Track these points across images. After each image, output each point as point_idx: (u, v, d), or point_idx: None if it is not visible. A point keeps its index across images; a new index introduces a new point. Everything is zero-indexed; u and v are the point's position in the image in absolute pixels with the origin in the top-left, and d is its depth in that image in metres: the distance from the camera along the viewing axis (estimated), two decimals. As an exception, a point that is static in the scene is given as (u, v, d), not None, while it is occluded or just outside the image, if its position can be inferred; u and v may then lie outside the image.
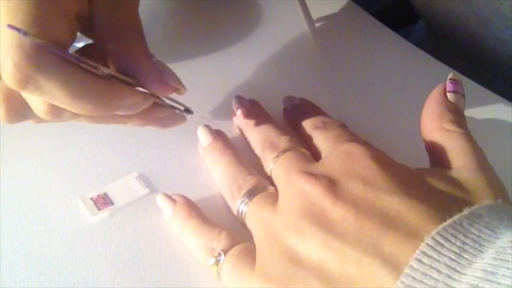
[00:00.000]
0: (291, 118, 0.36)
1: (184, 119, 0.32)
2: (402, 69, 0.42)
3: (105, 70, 0.26)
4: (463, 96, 0.30)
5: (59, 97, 0.25)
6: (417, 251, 0.22)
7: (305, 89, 0.37)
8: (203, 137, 0.33)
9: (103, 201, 0.31)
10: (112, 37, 0.28)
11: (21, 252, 0.29)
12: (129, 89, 0.27)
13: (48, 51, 0.24)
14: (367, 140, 0.31)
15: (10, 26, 0.23)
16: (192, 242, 0.29)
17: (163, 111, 0.31)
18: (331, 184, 0.26)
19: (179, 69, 0.41)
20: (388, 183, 0.25)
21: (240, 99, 0.36)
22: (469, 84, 0.40)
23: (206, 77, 0.40)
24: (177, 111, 0.32)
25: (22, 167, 0.34)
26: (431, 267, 0.21)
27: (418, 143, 0.33)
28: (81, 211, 0.31)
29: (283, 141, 0.32)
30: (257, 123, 0.34)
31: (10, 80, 0.24)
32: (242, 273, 0.27)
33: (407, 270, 0.21)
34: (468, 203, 0.23)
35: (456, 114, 0.29)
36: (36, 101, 0.26)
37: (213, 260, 0.28)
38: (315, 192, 0.26)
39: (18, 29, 0.23)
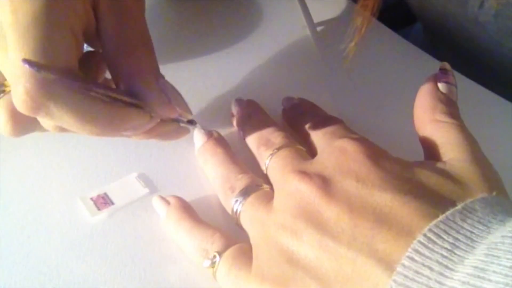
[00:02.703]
0: (289, 118, 0.36)
1: (187, 131, 0.32)
2: (402, 69, 0.42)
3: (112, 95, 0.26)
4: (455, 86, 0.29)
5: (69, 122, 0.26)
6: (409, 249, 0.22)
7: (305, 89, 0.37)
8: (197, 139, 0.34)
9: (103, 201, 0.31)
10: (121, 54, 0.28)
11: (21, 252, 0.29)
12: (136, 112, 0.28)
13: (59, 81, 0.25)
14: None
15: (25, 61, 0.23)
16: (186, 244, 0.29)
17: (167, 126, 0.31)
18: (325, 183, 0.26)
19: (179, 69, 0.41)
20: (381, 179, 0.25)
21: (237, 101, 0.36)
22: (469, 84, 0.40)
23: (206, 77, 0.40)
24: (182, 124, 0.32)
25: (22, 167, 0.34)
26: (423, 264, 0.21)
27: (417, 142, 0.33)
28: (81, 211, 0.31)
29: (277, 137, 0.32)
30: (253, 121, 0.34)
31: (22, 106, 0.25)
32: (238, 274, 0.27)
33: (399, 269, 0.21)
34: (462, 197, 0.23)
35: (448, 104, 0.28)
36: (46, 121, 0.27)
37: (208, 262, 0.28)
38: (309, 191, 0.26)
39: (31, 65, 0.23)
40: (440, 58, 0.42)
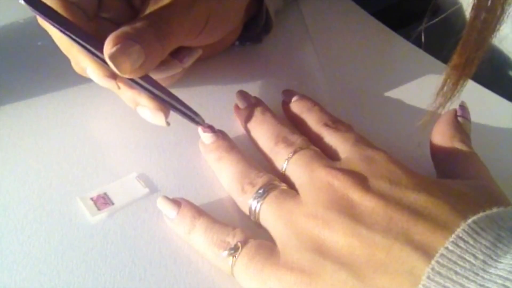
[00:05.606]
0: (291, 112, 0.35)
1: (162, 122, 0.32)
2: (402, 69, 0.42)
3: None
4: (470, 121, 0.32)
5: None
6: (453, 236, 0.23)
7: (304, 89, 0.37)
8: (206, 135, 0.33)
9: (103, 201, 0.31)
10: None
11: (21, 252, 0.29)
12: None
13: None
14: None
15: None
16: (203, 239, 0.28)
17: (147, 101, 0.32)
18: (360, 179, 0.27)
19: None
20: (413, 183, 0.27)
21: (244, 94, 0.36)
22: (469, 84, 0.40)
23: (206, 77, 0.40)
24: (186, 119, 0.32)
25: (22, 167, 0.34)
26: (467, 251, 0.22)
27: (416, 143, 0.33)
28: (81, 211, 0.31)
29: (298, 139, 0.32)
30: (267, 118, 0.34)
31: None
32: (263, 263, 0.26)
33: (443, 251, 0.22)
34: (490, 207, 0.24)
35: (464, 135, 0.31)
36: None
37: (227, 252, 0.27)
38: (343, 186, 0.27)
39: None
40: (441, 57, 0.42)
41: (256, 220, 0.29)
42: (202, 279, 0.28)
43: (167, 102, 0.32)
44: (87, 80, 0.33)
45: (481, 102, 0.39)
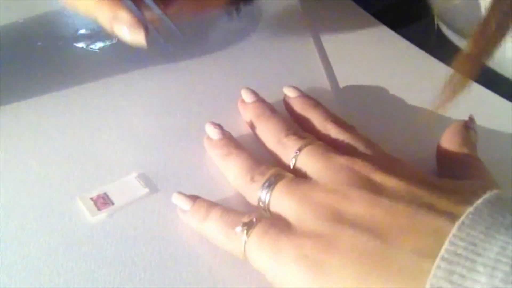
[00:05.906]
0: (293, 109, 0.35)
1: (141, 39, 0.31)
2: (402, 69, 0.42)
3: None
4: (476, 132, 0.33)
5: None
6: (481, 199, 0.23)
7: (304, 89, 0.37)
8: (214, 130, 0.33)
9: (103, 201, 0.31)
10: None
11: (21, 252, 0.29)
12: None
13: None
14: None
15: None
16: (217, 224, 0.28)
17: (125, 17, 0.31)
18: (380, 164, 0.27)
19: (180, 68, 0.41)
20: (423, 179, 0.27)
21: (251, 90, 0.36)
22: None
23: (206, 76, 0.40)
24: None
25: (22, 167, 0.34)
26: (496, 211, 0.23)
27: (417, 143, 0.33)
28: (81, 211, 0.31)
29: (308, 135, 0.32)
30: (276, 114, 0.34)
31: None
32: (278, 235, 0.26)
33: (472, 210, 0.23)
34: None
35: (472, 144, 0.32)
36: None
37: (240, 228, 0.27)
38: (364, 169, 0.27)
39: None
40: (441, 57, 0.42)
41: (266, 207, 0.29)
42: (202, 279, 0.28)
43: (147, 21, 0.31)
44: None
45: (481, 102, 0.39)
